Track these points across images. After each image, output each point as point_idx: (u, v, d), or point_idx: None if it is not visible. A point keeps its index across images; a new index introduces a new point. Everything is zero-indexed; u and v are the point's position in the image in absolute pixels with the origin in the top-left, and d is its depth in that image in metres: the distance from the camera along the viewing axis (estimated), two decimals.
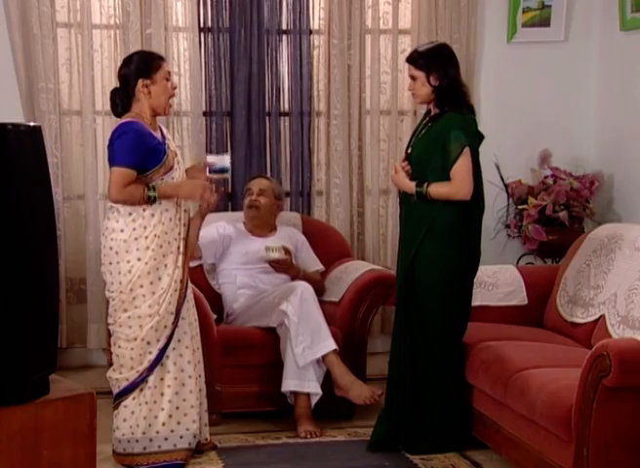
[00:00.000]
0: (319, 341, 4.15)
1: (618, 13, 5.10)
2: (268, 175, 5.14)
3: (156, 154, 3.62)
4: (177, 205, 3.68)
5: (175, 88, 3.75)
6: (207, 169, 3.73)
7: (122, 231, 3.61)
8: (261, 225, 4.72)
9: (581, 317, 4.10)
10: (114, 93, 3.73)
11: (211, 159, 3.80)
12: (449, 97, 3.80)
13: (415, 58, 3.84)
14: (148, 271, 3.61)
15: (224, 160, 3.76)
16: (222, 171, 3.74)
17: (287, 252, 4.56)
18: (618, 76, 5.27)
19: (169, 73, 3.72)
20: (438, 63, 3.79)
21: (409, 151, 3.93)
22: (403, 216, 3.96)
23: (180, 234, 3.68)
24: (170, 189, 3.63)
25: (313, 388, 4.15)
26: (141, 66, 3.65)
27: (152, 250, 3.61)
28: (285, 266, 4.55)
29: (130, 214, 3.61)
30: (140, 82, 3.63)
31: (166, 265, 3.64)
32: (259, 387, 4.30)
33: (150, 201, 3.58)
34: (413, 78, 3.84)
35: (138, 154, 3.57)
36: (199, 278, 4.55)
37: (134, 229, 3.60)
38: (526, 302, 4.43)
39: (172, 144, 3.76)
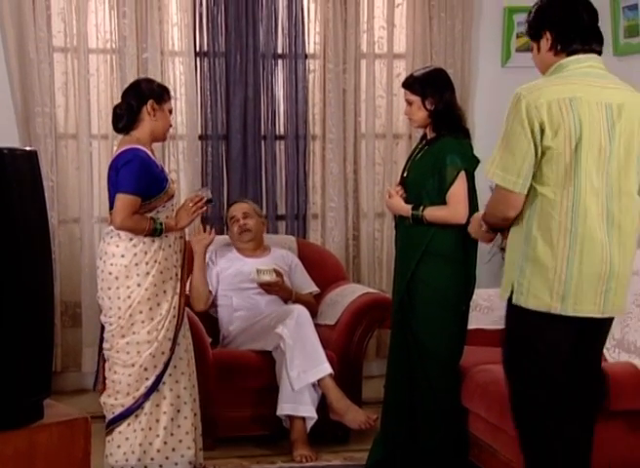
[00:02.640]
0: (315, 365, 4.14)
1: (611, 38, 5.13)
2: (264, 198, 5.18)
3: (159, 182, 3.64)
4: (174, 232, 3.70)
5: (170, 125, 3.83)
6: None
7: (122, 256, 3.60)
8: (255, 247, 4.72)
9: None
10: (118, 107, 3.74)
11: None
12: (445, 121, 3.82)
13: (410, 83, 3.87)
14: (148, 297, 3.60)
15: (207, 192, 3.85)
16: (208, 202, 3.82)
17: (278, 274, 4.56)
18: None
19: (171, 110, 3.81)
20: (434, 88, 3.82)
21: (404, 175, 3.95)
22: (398, 240, 3.96)
23: (177, 261, 3.69)
24: (173, 222, 3.66)
25: (309, 412, 4.14)
26: (155, 90, 3.71)
27: (153, 275, 3.60)
28: (276, 288, 4.55)
29: (130, 239, 3.61)
30: (151, 102, 3.66)
31: (165, 291, 3.64)
32: (254, 411, 4.29)
33: (156, 233, 3.59)
34: (409, 103, 3.87)
35: (143, 181, 3.58)
36: None
37: (134, 255, 3.60)
38: None
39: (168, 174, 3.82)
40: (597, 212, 2.77)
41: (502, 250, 5.12)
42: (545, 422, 2.87)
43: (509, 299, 2.87)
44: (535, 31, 2.95)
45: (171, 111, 3.80)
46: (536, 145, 2.77)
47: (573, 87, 2.80)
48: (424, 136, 3.95)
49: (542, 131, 2.76)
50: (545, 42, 2.91)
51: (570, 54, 2.87)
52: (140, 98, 3.68)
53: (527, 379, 2.88)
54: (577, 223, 2.75)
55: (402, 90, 3.95)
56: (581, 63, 2.86)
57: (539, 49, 2.95)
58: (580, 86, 2.81)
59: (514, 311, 2.86)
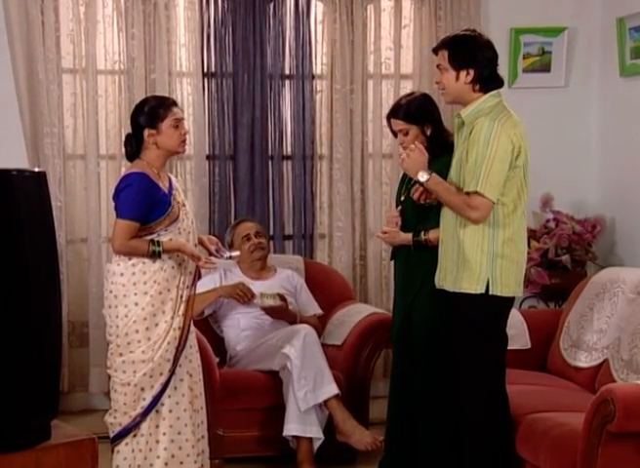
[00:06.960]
0: (321, 386, 4.13)
1: (617, 59, 5.15)
2: (271, 218, 5.20)
3: (161, 206, 3.61)
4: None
5: (185, 133, 3.68)
6: (217, 252, 3.82)
7: (122, 275, 3.60)
8: (262, 266, 4.72)
9: (585, 361, 4.09)
10: (128, 138, 3.73)
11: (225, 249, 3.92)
12: (439, 142, 3.82)
13: (404, 113, 3.83)
14: (145, 317, 3.58)
15: (234, 253, 3.96)
16: (228, 258, 3.88)
17: (282, 298, 4.55)
18: (618, 121, 5.30)
19: (178, 120, 3.65)
20: (428, 113, 3.84)
21: (402, 199, 3.94)
22: (399, 268, 3.92)
23: (184, 283, 3.66)
24: (174, 244, 3.61)
25: (315, 433, 4.12)
26: (148, 116, 3.63)
27: (151, 295, 3.59)
28: (280, 312, 4.54)
29: (130, 258, 3.60)
30: (147, 132, 3.63)
31: (164, 312, 3.61)
32: (261, 431, 4.28)
33: (155, 255, 3.59)
34: (404, 132, 3.85)
35: (141, 206, 3.56)
36: (201, 321, 4.54)
37: (133, 274, 3.60)
38: (529, 346, 4.42)
39: (179, 195, 3.73)
40: (525, 213, 3.53)
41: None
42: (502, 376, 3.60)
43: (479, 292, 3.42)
44: (460, 63, 3.47)
45: (177, 123, 3.63)
46: (510, 165, 3.38)
47: (516, 118, 3.46)
48: None
49: (518, 154, 3.39)
50: (465, 75, 3.46)
51: (487, 90, 3.49)
52: (137, 129, 3.65)
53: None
54: (523, 224, 3.49)
55: (396, 122, 3.89)
56: (500, 97, 3.53)
57: (457, 78, 3.48)
58: (515, 117, 3.47)
59: (487, 301, 3.44)
